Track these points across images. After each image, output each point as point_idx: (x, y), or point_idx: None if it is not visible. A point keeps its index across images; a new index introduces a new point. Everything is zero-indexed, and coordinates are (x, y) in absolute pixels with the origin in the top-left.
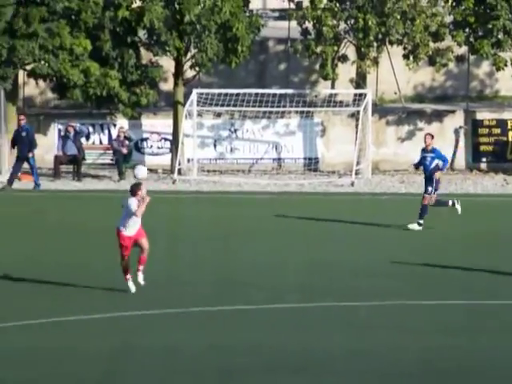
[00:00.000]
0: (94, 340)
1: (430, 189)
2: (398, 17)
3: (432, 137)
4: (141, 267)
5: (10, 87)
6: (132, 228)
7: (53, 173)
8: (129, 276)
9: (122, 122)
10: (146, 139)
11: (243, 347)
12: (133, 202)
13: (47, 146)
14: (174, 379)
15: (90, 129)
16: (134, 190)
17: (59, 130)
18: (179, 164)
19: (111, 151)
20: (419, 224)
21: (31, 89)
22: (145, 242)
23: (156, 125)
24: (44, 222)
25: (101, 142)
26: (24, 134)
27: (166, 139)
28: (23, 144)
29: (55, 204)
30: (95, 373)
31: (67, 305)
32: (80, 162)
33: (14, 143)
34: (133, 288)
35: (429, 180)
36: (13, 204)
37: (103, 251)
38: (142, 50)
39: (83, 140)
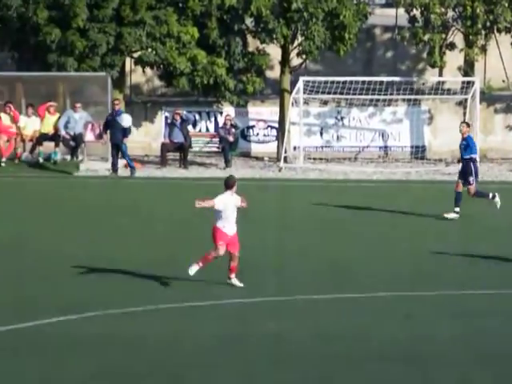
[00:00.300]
0: (198, 328)
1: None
2: (506, 4)
3: (468, 125)
4: (233, 275)
5: (117, 75)
6: (230, 227)
7: (159, 160)
8: (201, 264)
9: (229, 110)
10: (252, 127)
11: (350, 335)
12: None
13: (154, 133)
14: (280, 367)
15: (197, 116)
16: (229, 183)
17: (166, 118)
18: (285, 152)
19: (217, 139)
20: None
21: (138, 76)
22: (235, 248)
23: (262, 112)
24: (146, 210)
25: (207, 130)
26: (118, 118)
27: (272, 127)
28: (116, 129)
29: (162, 191)
30: (200, 362)
31: (169, 292)
32: (187, 150)
33: (106, 128)
34: (191, 272)
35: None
36: (116, 191)
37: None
38: (249, 38)
39: (190, 128)
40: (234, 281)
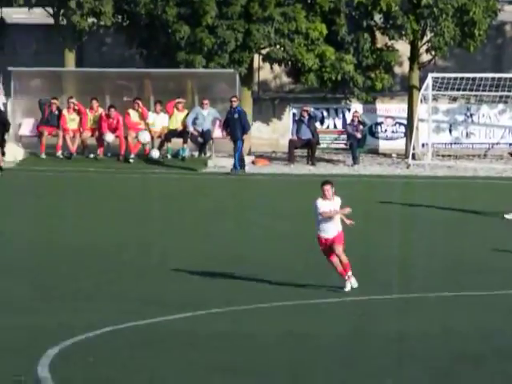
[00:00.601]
0: (326, 325)
1: None
2: None
3: None
4: (348, 273)
5: (246, 71)
6: (328, 231)
7: (287, 157)
8: (345, 276)
9: (357, 107)
10: (380, 123)
11: (476, 332)
12: (318, 203)
13: (282, 130)
14: (404, 365)
15: (325, 113)
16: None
17: (294, 115)
18: (413, 149)
19: (345, 136)
20: None
21: (266, 73)
22: (338, 248)
23: (390, 109)
24: (272, 206)
25: (335, 127)
26: (236, 115)
27: (400, 124)
28: (235, 126)
29: (289, 188)
30: (321, 360)
31: (295, 289)
32: (314, 146)
33: (226, 125)
34: (348, 288)
35: None
36: (243, 187)
37: None
38: (378, 34)
39: (317, 124)
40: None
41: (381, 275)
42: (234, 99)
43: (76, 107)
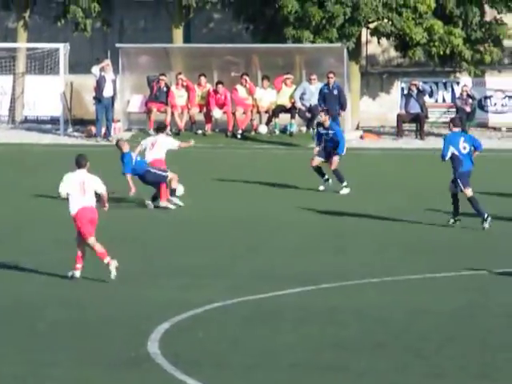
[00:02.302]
0: (437, 300)
1: None
2: None
3: None
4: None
5: (353, 46)
6: None
7: (395, 131)
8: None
9: (466, 80)
10: (489, 97)
11: None
12: None
13: (390, 104)
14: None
15: (433, 87)
16: None
17: (402, 89)
18: None
19: (454, 109)
20: None
21: (374, 47)
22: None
23: (500, 82)
24: (380, 181)
25: (444, 101)
26: (336, 92)
27: (510, 97)
28: (333, 102)
29: (396, 163)
30: (437, 334)
31: (410, 264)
32: (423, 121)
33: (321, 101)
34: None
35: None
36: (356, 162)
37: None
38: (487, 8)
39: (426, 98)
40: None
41: (484, 248)
42: (332, 75)
43: (184, 83)
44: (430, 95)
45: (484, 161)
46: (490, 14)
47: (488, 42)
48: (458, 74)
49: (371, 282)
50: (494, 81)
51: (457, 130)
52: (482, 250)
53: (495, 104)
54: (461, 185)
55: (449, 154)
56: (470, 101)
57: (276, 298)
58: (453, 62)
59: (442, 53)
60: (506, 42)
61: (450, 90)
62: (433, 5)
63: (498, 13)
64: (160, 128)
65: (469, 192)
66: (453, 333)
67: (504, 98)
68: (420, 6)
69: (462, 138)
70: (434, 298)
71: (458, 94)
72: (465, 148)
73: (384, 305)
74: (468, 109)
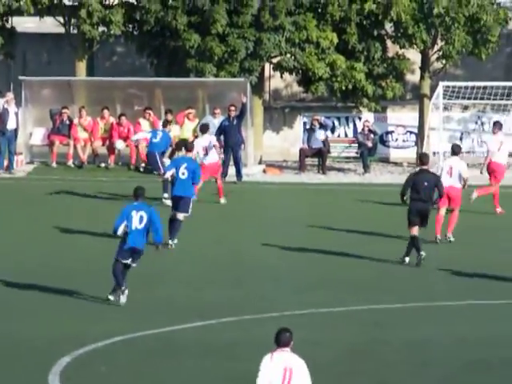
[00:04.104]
0: (338, 333)
1: None
2: None
3: None
4: None
5: (256, 80)
6: None
7: (298, 166)
8: None
9: (367, 115)
10: (391, 132)
11: (491, 341)
12: None
13: (293, 138)
14: (424, 372)
15: (335, 122)
16: None
17: (304, 123)
18: None
19: (356, 144)
20: None
21: (277, 82)
22: None
23: (401, 118)
24: (282, 215)
25: (346, 135)
26: (235, 124)
27: (411, 132)
28: (233, 135)
29: (300, 197)
30: (337, 369)
31: (302, 298)
32: (325, 155)
33: (220, 134)
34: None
35: None
36: (252, 196)
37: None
38: (389, 43)
39: (328, 133)
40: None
41: (392, 284)
42: (233, 108)
43: (87, 118)
44: (332, 130)
45: (387, 194)
46: (393, 49)
47: (390, 77)
48: (359, 109)
49: (271, 316)
50: (395, 116)
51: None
52: (381, 285)
53: (396, 139)
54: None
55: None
56: (372, 136)
57: (178, 331)
58: (355, 97)
59: (344, 88)
60: (408, 77)
61: (351, 125)
62: (335, 40)
63: (400, 48)
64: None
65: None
66: (351, 367)
67: (405, 133)
68: (322, 41)
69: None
70: (332, 332)
71: (359, 129)
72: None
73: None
74: (369, 144)
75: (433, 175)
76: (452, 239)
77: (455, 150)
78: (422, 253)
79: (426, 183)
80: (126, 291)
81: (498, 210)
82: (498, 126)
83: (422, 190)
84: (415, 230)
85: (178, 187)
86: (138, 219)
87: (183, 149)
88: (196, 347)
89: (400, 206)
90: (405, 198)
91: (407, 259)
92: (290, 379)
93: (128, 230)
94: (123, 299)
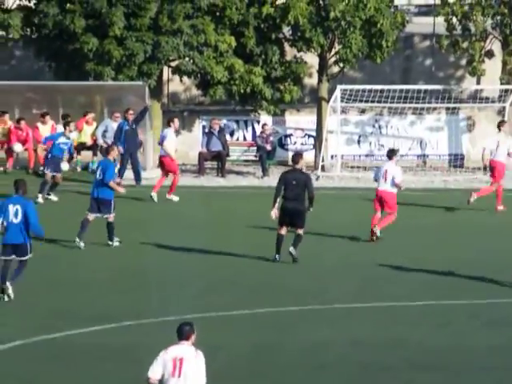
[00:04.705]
0: (233, 338)
1: None
2: None
3: None
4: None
5: (155, 84)
6: None
7: (197, 169)
8: None
9: (266, 119)
10: (289, 135)
11: (386, 343)
12: None
13: (191, 142)
14: (318, 375)
15: (234, 125)
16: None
17: (203, 127)
18: (322, 160)
19: (255, 148)
20: None
21: (176, 85)
22: None
23: (300, 121)
24: (182, 218)
25: (245, 139)
26: (134, 127)
27: (309, 135)
28: (133, 139)
29: (199, 200)
30: (234, 372)
31: (200, 302)
32: (224, 159)
33: (118, 139)
34: None
35: None
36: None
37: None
38: (286, 47)
39: (227, 136)
40: None
41: (293, 285)
42: (131, 112)
43: None
44: (231, 133)
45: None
46: (290, 52)
47: (288, 81)
48: (258, 113)
49: (172, 320)
50: (293, 119)
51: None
52: (281, 288)
53: (295, 142)
54: None
55: None
56: (271, 139)
57: (77, 335)
58: (253, 100)
59: (242, 91)
60: (306, 81)
61: (250, 128)
62: (233, 44)
63: (298, 51)
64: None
65: None
66: (250, 370)
67: (303, 136)
68: (221, 44)
69: None
70: (231, 335)
71: (258, 133)
72: None
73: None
74: (268, 147)
75: (303, 175)
76: (379, 235)
77: (389, 155)
78: (277, 256)
79: (294, 182)
80: (10, 290)
81: (499, 207)
82: (502, 124)
83: (290, 189)
84: (282, 230)
85: (95, 189)
86: (13, 213)
87: (104, 152)
88: (96, 351)
89: None
90: (278, 198)
91: (278, 257)
92: (180, 368)
93: (6, 224)
94: (6, 298)
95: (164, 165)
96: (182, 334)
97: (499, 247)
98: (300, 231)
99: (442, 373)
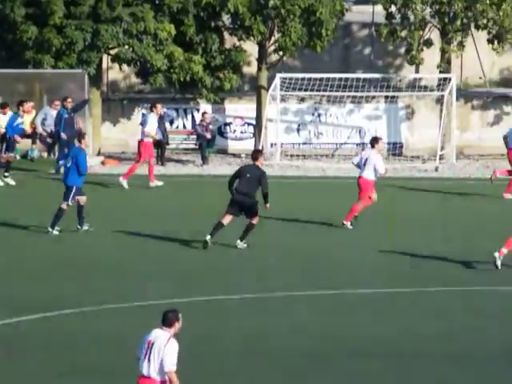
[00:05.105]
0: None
1: None
2: (488, 1)
3: None
4: None
5: (94, 72)
6: None
7: (137, 157)
8: None
9: (206, 107)
10: (229, 124)
11: (327, 332)
12: None
13: (131, 130)
14: (257, 363)
15: (174, 114)
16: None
17: (143, 115)
18: (262, 149)
19: (195, 136)
20: None
21: (115, 73)
22: None
23: (239, 109)
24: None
25: (184, 127)
26: (72, 115)
27: (249, 124)
28: (71, 127)
29: (137, 188)
30: (184, 355)
31: (146, 290)
32: (164, 147)
33: (58, 126)
34: None
35: None
36: (95, 188)
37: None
38: (226, 35)
39: (167, 125)
40: None
41: (233, 276)
42: (70, 100)
43: None
44: (171, 122)
45: (225, 186)
46: (230, 41)
47: (227, 69)
48: (197, 101)
49: (110, 308)
50: (233, 107)
51: None
52: (220, 276)
53: (235, 131)
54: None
55: None
56: (211, 127)
57: (15, 324)
58: (193, 88)
59: (182, 79)
60: (246, 69)
61: (190, 116)
62: (173, 32)
63: (238, 40)
64: None
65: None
66: (191, 358)
67: (243, 124)
68: (160, 32)
69: None
70: (243, 318)
71: (198, 121)
72: None
73: (119, 330)
74: (208, 135)
75: (258, 170)
76: (349, 227)
77: (372, 143)
78: (208, 237)
79: (248, 175)
80: None
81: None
82: None
83: (243, 182)
84: (226, 218)
85: (64, 176)
86: None
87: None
88: (36, 340)
89: None
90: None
91: (209, 238)
92: (150, 351)
93: None
94: None
95: (139, 148)
96: (164, 320)
97: (442, 236)
98: (252, 220)
99: (382, 360)
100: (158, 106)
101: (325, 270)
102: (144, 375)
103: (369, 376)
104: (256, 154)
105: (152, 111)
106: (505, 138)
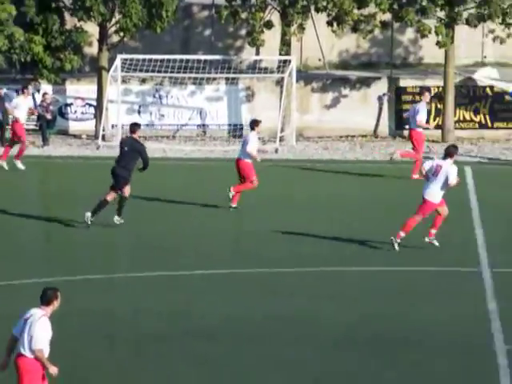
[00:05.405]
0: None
1: None
2: None
3: None
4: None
5: None
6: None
7: None
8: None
9: (46, 88)
10: (70, 105)
11: (169, 313)
12: None
13: None
14: (101, 344)
15: (14, 94)
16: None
17: None
18: (103, 130)
19: (35, 116)
20: None
21: None
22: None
23: (80, 90)
24: None
25: None
26: None
27: (90, 105)
28: None
29: None
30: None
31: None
32: (4, 127)
33: None
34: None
35: None
36: None
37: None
38: (67, 16)
39: (7, 105)
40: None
41: (80, 257)
42: None
43: None
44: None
45: (66, 167)
46: (71, 21)
47: (68, 50)
48: (38, 82)
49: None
50: (74, 88)
51: None
52: (66, 256)
53: (75, 111)
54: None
55: None
56: (51, 108)
57: None
58: (34, 69)
59: (23, 60)
60: (87, 50)
61: (30, 97)
62: (14, 12)
63: (79, 20)
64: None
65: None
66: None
67: (84, 105)
68: (1, 13)
69: None
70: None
71: (39, 102)
72: None
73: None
74: (49, 116)
75: (137, 143)
76: (233, 208)
77: (251, 125)
78: (88, 215)
79: (126, 148)
80: None
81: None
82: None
83: (120, 155)
84: (109, 196)
85: None
86: None
87: None
88: None
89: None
90: None
91: (88, 214)
92: (24, 327)
93: None
94: None
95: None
96: (42, 297)
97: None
98: (122, 194)
99: (217, 341)
100: (30, 87)
101: (170, 252)
102: (20, 352)
103: (204, 356)
104: (133, 127)
105: (23, 93)
106: (407, 118)
